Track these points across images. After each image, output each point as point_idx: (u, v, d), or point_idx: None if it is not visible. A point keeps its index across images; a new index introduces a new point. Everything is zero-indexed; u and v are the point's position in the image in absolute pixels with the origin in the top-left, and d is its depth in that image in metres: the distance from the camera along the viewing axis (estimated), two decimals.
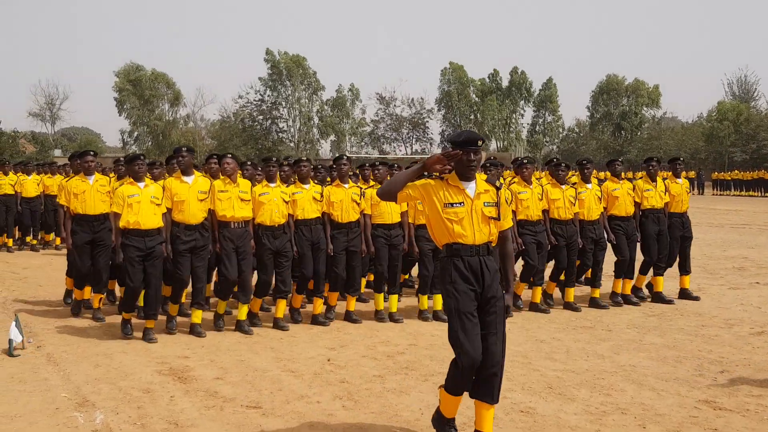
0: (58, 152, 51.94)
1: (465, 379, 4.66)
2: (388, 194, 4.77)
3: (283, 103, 59.43)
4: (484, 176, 5.05)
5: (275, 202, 8.44)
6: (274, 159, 9.13)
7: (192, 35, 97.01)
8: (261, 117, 59.38)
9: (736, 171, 49.81)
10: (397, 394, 6.02)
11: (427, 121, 62.31)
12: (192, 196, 8.04)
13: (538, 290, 9.53)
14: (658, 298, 10.09)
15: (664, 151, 51.36)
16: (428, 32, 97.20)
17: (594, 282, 9.86)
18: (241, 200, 8.26)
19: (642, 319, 8.99)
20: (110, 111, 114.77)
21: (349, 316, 8.88)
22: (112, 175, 9.64)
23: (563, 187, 9.64)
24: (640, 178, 10.52)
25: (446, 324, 4.85)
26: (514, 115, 62.28)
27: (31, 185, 16.11)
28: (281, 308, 8.60)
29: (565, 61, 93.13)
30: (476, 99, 60.74)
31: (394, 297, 9.02)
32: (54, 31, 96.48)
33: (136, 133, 58.26)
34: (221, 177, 8.31)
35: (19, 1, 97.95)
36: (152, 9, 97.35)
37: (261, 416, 5.50)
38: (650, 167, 10.29)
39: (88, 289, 9.15)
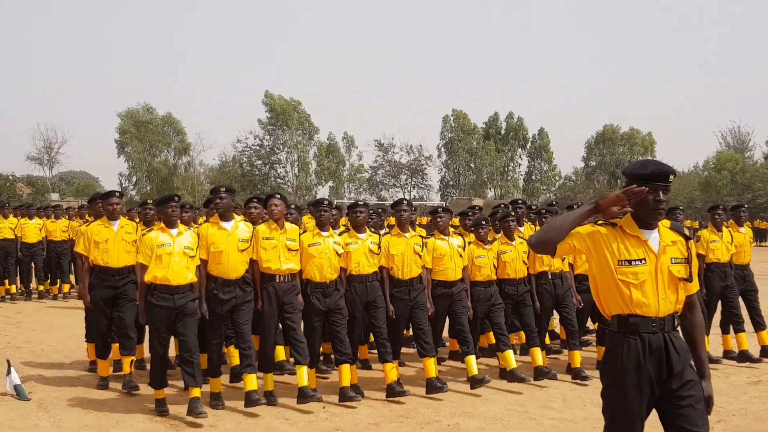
0: (55, 196, 51.98)
1: None
2: (544, 244, 3.65)
3: (281, 147, 59.76)
4: (668, 222, 3.81)
5: (327, 255, 7.15)
6: (326, 201, 7.56)
7: (187, 79, 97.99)
8: (259, 162, 59.71)
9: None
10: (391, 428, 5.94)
11: (426, 168, 62.73)
12: (232, 245, 6.87)
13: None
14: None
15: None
16: (427, 80, 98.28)
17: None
18: (289, 250, 7.06)
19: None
20: (109, 154, 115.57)
21: (392, 390, 7.17)
22: (137, 220, 8.61)
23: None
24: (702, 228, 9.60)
25: None
26: (511, 163, 62.73)
27: (32, 230, 15.07)
28: (345, 376, 7.00)
29: (560, 111, 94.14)
30: (476, 145, 61.16)
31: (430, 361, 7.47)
32: (51, 73, 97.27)
33: (135, 178, 58.41)
34: (267, 222, 7.19)
35: (18, 46, 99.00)
36: (148, 54, 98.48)
37: None
38: (716, 216, 9.38)
39: (108, 360, 7.79)
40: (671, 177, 3.61)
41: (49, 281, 15.61)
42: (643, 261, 3.56)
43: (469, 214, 8.58)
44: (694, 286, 3.71)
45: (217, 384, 6.99)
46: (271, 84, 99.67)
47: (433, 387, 7.24)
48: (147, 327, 7.27)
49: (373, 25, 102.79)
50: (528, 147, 63.20)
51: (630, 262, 3.56)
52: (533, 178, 63.44)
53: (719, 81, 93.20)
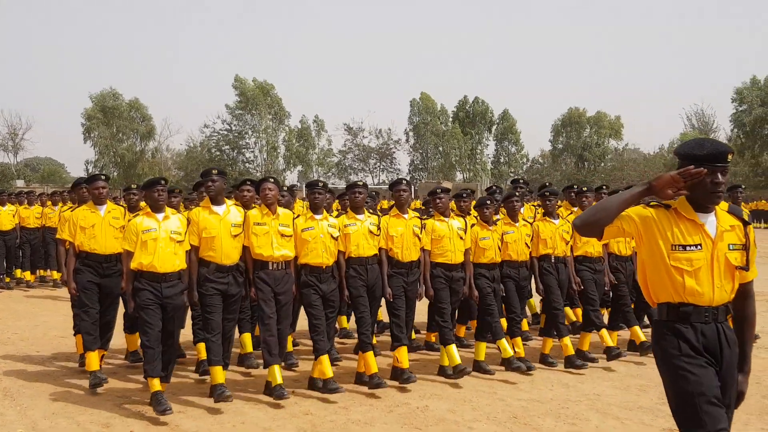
0: (20, 182, 51.17)
1: None
2: (591, 227, 3.36)
3: (250, 132, 59.34)
4: (725, 205, 3.58)
5: (322, 240, 6.89)
6: (321, 183, 7.22)
7: (153, 65, 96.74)
8: (227, 147, 59.24)
9: None
10: (361, 426, 5.96)
11: (394, 152, 62.68)
12: (224, 230, 6.61)
13: (588, 337, 8.20)
14: None
15: (627, 182, 52.10)
16: (395, 64, 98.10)
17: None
18: (282, 236, 6.77)
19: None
20: (75, 140, 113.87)
21: (399, 375, 7.08)
22: (123, 204, 8.13)
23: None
24: None
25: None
26: (479, 146, 62.87)
27: (5, 217, 14.41)
28: (325, 367, 6.78)
29: (529, 94, 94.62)
30: (444, 129, 61.19)
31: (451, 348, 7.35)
32: (14, 59, 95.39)
33: (102, 164, 57.62)
34: (257, 206, 6.94)
35: None
36: (113, 38, 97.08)
37: None
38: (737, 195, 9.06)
39: (97, 352, 7.13)
40: (729, 157, 3.36)
41: (20, 269, 15.12)
42: (699, 247, 3.34)
43: (464, 195, 8.14)
44: (751, 274, 3.49)
45: (218, 374, 6.54)
46: (239, 68, 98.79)
47: (403, 378, 7.03)
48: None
49: (342, 8, 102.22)
50: (494, 130, 63.40)
51: (684, 247, 3.34)
52: (500, 161, 63.67)
53: (683, 64, 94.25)
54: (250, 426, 5.94)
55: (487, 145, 64.02)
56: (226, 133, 59.27)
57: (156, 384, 6.21)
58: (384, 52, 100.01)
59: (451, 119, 61.95)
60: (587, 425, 6.01)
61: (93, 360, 7.02)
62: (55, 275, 14.84)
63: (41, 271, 15.37)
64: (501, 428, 5.92)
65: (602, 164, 61.03)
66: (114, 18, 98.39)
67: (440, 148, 61.01)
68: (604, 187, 9.10)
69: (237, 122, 59.15)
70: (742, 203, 9.19)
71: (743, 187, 9.14)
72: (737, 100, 51.57)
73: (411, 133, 62.03)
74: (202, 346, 7.18)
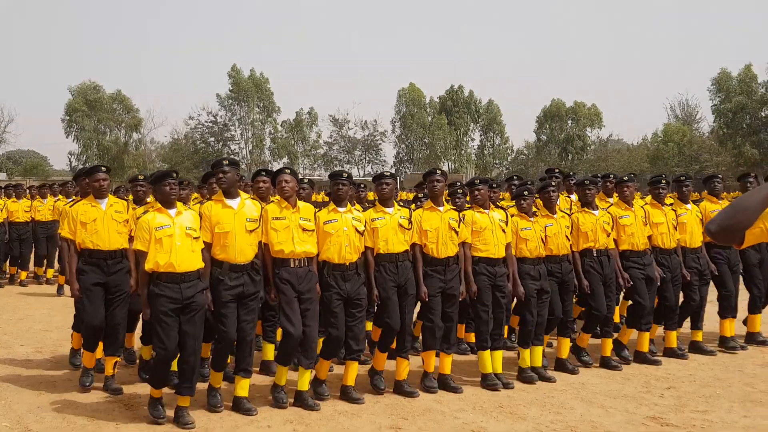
0: (2, 176, 50.77)
1: None
2: (729, 231, 2.76)
3: (236, 124, 59.19)
4: None
5: (345, 233, 6.40)
6: (345, 174, 6.69)
7: (138, 56, 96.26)
8: (212, 139, 59.03)
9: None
10: (348, 417, 5.97)
11: (380, 144, 62.62)
12: (239, 225, 6.06)
13: (646, 336, 7.82)
14: (752, 339, 8.60)
15: (596, 174, 51.89)
16: (381, 56, 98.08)
17: (697, 322, 8.25)
18: (303, 230, 6.26)
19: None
20: (58, 133, 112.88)
21: (446, 384, 6.73)
22: (129, 197, 7.51)
23: (663, 208, 8.05)
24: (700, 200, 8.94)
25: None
26: (464, 138, 62.90)
27: None
28: (352, 374, 6.46)
29: (515, 85, 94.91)
30: (429, 120, 61.20)
31: (498, 353, 7.04)
32: None
33: (85, 156, 57.26)
34: (275, 199, 6.48)
35: None
36: (96, 30, 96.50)
37: None
38: (714, 184, 8.78)
39: (99, 348, 6.82)
40: None
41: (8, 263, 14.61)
42: None
43: (476, 182, 7.29)
44: None
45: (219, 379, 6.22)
46: (227, 60, 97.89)
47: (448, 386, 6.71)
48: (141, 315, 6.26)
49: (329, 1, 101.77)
50: (480, 121, 63.47)
51: None
52: (485, 152, 63.76)
53: (667, 54, 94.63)
54: (236, 418, 5.92)
55: (473, 138, 64.12)
56: (211, 125, 59.05)
57: (157, 391, 5.87)
58: (370, 44, 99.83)
59: (438, 110, 61.92)
60: (572, 414, 6.06)
61: (89, 358, 6.72)
62: (50, 272, 14.58)
63: (38, 269, 14.83)
64: (487, 417, 5.95)
65: (585, 155, 61.25)
66: (97, 11, 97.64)
67: (425, 140, 61.04)
68: (632, 176, 8.37)
69: (226, 113, 58.97)
70: (723, 193, 9.07)
71: (720, 177, 9.00)
72: (715, 90, 51.72)
73: (398, 124, 62.00)
74: (284, 370, 6.46)
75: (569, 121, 61.98)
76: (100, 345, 6.79)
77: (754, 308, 8.62)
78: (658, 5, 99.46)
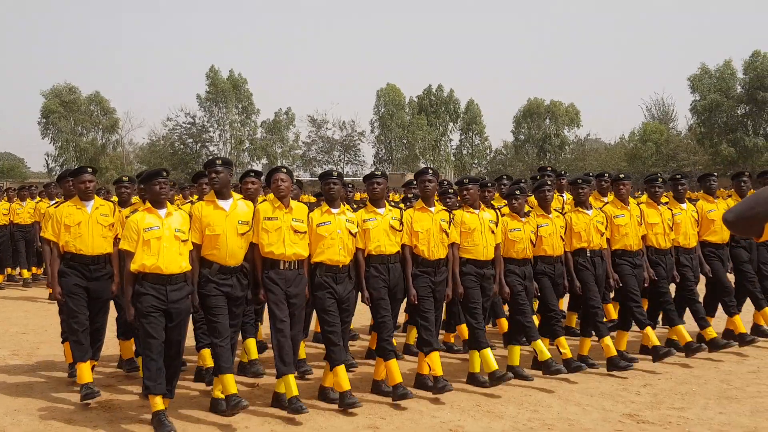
0: None
1: None
2: (748, 222, 2.65)
3: (215, 125, 58.91)
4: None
5: (339, 236, 6.25)
6: (336, 173, 6.52)
7: (115, 57, 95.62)
8: (191, 140, 58.72)
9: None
10: (326, 417, 5.97)
11: (359, 144, 62.60)
12: (230, 227, 5.91)
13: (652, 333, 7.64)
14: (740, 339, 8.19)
15: (588, 172, 52.22)
16: (359, 55, 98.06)
17: (673, 321, 7.89)
18: (295, 232, 6.11)
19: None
20: (34, 135, 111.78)
21: (434, 384, 6.51)
22: (114, 199, 7.47)
23: (659, 207, 8.00)
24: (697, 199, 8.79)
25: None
26: (443, 138, 63.00)
27: None
28: (342, 379, 6.18)
29: (493, 84, 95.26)
30: (408, 120, 61.22)
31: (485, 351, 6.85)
32: None
33: (62, 158, 56.78)
34: (268, 198, 6.27)
35: None
36: (73, 31, 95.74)
37: None
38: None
39: (88, 363, 6.47)
40: None
41: None
42: None
43: (465, 182, 7.14)
44: None
45: (230, 383, 5.88)
46: (205, 61, 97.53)
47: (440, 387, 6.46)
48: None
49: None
50: (459, 121, 63.57)
51: None
52: (463, 152, 63.88)
53: (643, 54, 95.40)
54: (214, 418, 5.88)
55: (451, 138, 64.24)
56: (189, 126, 58.74)
57: (158, 403, 5.62)
58: (348, 44, 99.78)
59: (416, 110, 61.95)
60: (549, 412, 6.10)
61: (85, 371, 6.36)
62: (25, 274, 14.39)
63: (9, 269, 14.71)
64: (465, 416, 5.98)
65: (563, 154, 61.56)
66: (73, 12, 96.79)
67: (404, 140, 61.08)
68: (621, 176, 8.13)
69: (204, 114, 58.69)
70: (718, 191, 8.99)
71: (716, 175, 8.95)
72: (692, 88, 52.05)
73: (377, 124, 61.98)
74: (206, 352, 6.60)
75: (547, 120, 62.24)
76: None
77: (758, 305, 8.54)
78: (636, 5, 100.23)
